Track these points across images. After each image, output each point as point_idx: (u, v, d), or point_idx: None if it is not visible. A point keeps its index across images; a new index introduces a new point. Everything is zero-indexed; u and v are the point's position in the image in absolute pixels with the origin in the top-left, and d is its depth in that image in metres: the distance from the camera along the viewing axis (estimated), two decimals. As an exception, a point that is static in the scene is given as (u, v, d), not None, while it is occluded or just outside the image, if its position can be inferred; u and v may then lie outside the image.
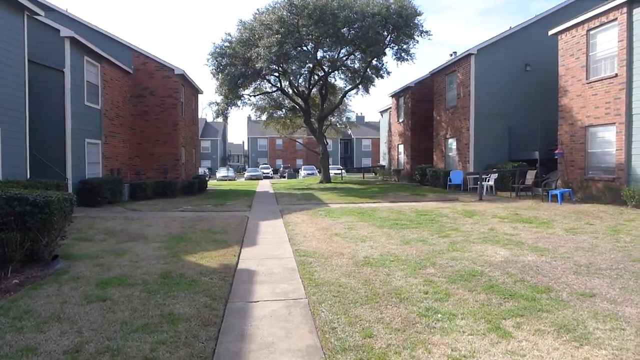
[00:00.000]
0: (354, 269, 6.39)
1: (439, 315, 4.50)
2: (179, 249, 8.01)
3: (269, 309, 4.91)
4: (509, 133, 20.42)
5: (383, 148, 40.17)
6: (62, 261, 7.19)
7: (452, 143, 22.78)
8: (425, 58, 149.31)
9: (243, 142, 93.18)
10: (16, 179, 11.62)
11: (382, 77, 27.32)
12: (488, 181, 18.14)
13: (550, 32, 17.03)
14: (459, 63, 21.66)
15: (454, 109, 22.26)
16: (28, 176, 12.61)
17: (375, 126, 71.93)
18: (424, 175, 24.13)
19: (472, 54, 20.21)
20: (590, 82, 15.01)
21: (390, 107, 34.93)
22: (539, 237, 8.56)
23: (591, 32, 15.07)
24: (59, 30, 14.90)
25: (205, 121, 76.41)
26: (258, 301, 5.19)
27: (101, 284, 5.79)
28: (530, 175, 16.23)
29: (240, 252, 7.83)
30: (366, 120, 77.81)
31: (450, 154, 23.15)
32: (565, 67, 16.28)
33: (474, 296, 5.11)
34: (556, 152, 15.97)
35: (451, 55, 27.35)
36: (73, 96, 15.36)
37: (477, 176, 18.75)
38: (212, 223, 11.22)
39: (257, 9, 31.70)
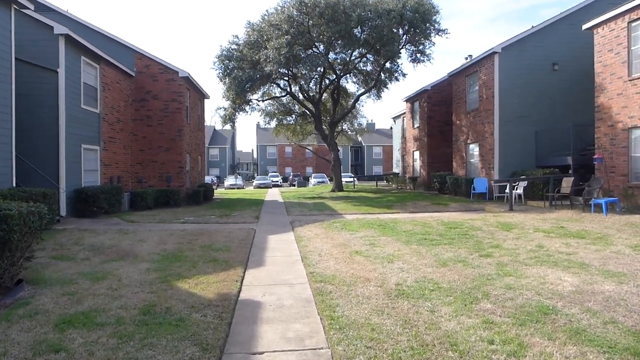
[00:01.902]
0: (386, 302, 5.01)
1: (524, 385, 3.12)
2: (170, 271, 6.69)
3: (278, 366, 3.56)
4: (536, 137, 18.92)
5: (396, 155, 38.74)
6: (28, 287, 5.93)
7: (474, 149, 21.31)
8: (434, 64, 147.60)
9: (252, 150, 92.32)
10: (-1, 187, 10.46)
11: (397, 79, 25.97)
12: (516, 189, 16.65)
13: (585, 26, 15.60)
14: (481, 63, 20.27)
15: (476, 112, 20.83)
16: (14, 184, 11.43)
17: (386, 133, 70.60)
18: (443, 183, 22.67)
19: (496, 52, 18.81)
20: (633, 79, 13.55)
21: (404, 113, 33.58)
22: (603, 257, 7.10)
23: (633, 24, 13.63)
24: (52, 28, 13.78)
25: (214, 129, 75.59)
26: (263, 352, 3.84)
27: (62, 323, 4.48)
28: (567, 183, 14.72)
29: (243, 275, 6.50)
30: (377, 127, 76.42)
31: (471, 160, 21.68)
32: (602, 63, 14.83)
33: (559, 348, 3.71)
34: (595, 157, 14.48)
35: (466, 58, 25.96)
36: (68, 98, 14.21)
37: (504, 184, 17.32)
38: (214, 237, 9.91)
39: (266, 10, 30.85)
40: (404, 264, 6.90)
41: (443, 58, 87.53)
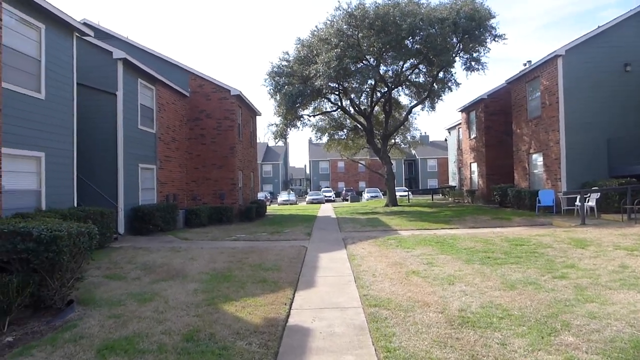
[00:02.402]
0: (449, 332, 4.46)
1: None
2: (218, 292, 6.46)
3: (327, 409, 3.14)
4: (609, 145, 17.40)
5: (452, 167, 37.40)
6: (78, 308, 5.88)
7: (537, 159, 19.98)
8: (489, 73, 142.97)
9: (305, 166, 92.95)
10: (61, 207, 10.84)
11: (450, 89, 25.03)
12: (588, 202, 15.31)
13: (661, 22, 14.23)
14: (542, 67, 19.07)
15: (538, 120, 19.56)
16: (75, 204, 11.84)
17: (440, 145, 68.73)
18: (504, 196, 21.39)
19: (559, 55, 17.60)
20: None
21: (459, 123, 32.38)
22: None
23: None
24: (111, 53, 14.38)
25: (267, 145, 76.84)
26: (311, 391, 3.44)
27: (105, 349, 4.31)
28: (647, 194, 13.32)
29: (293, 298, 6.15)
30: (431, 139, 74.60)
31: (535, 171, 20.33)
32: (684, 61, 13.41)
33: (669, 398, 3.03)
34: (680, 164, 13.01)
35: (525, 64, 24.56)
36: (126, 119, 14.72)
37: (573, 196, 16.01)
38: (264, 256, 9.68)
39: (316, 26, 30.97)
40: (467, 287, 6.28)
41: (492, 66, 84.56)
